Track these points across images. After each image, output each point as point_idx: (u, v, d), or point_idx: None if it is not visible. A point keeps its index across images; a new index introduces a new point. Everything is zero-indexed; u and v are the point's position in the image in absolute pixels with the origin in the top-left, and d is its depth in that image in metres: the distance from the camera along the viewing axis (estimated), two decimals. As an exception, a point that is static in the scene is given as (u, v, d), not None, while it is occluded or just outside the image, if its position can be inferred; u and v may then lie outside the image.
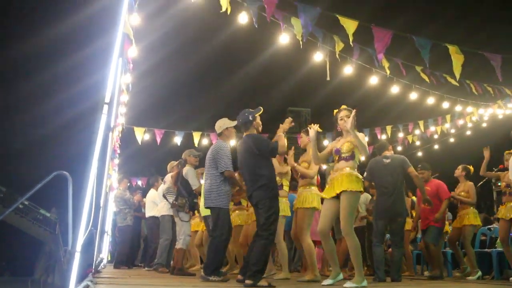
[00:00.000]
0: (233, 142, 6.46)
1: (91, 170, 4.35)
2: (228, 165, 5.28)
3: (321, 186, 6.84)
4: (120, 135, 9.12)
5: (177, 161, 7.52)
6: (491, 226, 8.56)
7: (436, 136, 13.54)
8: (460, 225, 6.83)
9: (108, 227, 10.29)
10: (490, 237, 8.17)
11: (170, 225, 7.62)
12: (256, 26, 5.80)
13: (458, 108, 11.19)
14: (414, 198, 7.79)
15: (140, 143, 10.91)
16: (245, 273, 4.59)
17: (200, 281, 5.12)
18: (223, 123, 5.54)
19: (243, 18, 5.86)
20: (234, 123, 5.49)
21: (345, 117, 4.87)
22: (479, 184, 8.98)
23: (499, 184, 10.31)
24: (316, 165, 5.62)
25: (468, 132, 13.29)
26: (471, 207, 6.85)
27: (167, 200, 7.37)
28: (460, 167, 7.12)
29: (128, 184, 9.85)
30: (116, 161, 10.14)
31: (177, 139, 11.28)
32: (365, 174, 6.16)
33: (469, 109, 11.41)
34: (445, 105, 10.64)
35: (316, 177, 5.97)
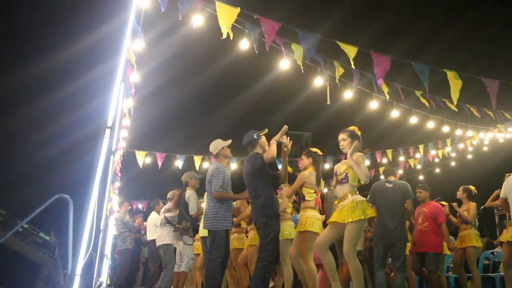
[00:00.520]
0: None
1: (93, 193, 4.37)
2: (217, 186, 5.32)
3: (322, 208, 6.84)
4: (121, 158, 9.15)
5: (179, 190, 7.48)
6: (494, 250, 8.49)
7: (437, 160, 13.55)
8: (461, 246, 6.78)
9: (108, 250, 10.22)
10: (493, 261, 8.09)
11: (173, 256, 7.53)
12: (257, 52, 5.89)
13: (459, 132, 11.23)
14: None
15: (141, 166, 10.93)
16: None
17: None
18: (218, 144, 5.61)
19: (244, 44, 5.96)
20: (228, 142, 5.61)
21: (341, 140, 4.95)
22: (482, 207, 8.95)
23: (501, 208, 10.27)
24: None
25: (469, 156, 13.31)
26: (473, 228, 6.81)
27: (172, 225, 7.26)
28: (461, 188, 7.12)
29: (129, 207, 9.83)
30: (117, 184, 10.15)
31: (178, 163, 11.31)
32: (368, 196, 6.17)
33: (469, 133, 11.45)
34: (445, 129, 10.67)
35: (314, 198, 5.94)
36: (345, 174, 4.87)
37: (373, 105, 8.49)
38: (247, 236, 7.13)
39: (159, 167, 11.37)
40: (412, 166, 13.73)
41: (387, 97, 7.62)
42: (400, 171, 13.65)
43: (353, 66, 6.25)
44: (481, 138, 11.89)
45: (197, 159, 11.40)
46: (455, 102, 6.32)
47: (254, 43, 5.85)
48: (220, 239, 5.31)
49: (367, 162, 12.54)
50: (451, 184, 7.47)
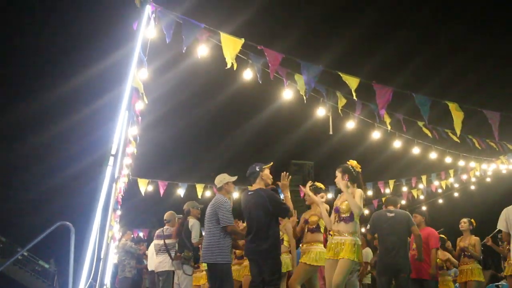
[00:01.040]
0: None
1: (95, 221, 4.36)
2: (230, 220, 5.26)
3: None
4: (126, 186, 9.14)
5: (180, 215, 7.44)
6: (499, 283, 8.36)
7: (440, 191, 13.51)
8: (463, 280, 6.69)
9: (108, 279, 10.10)
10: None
11: (171, 282, 7.43)
12: (260, 82, 5.96)
13: (461, 163, 11.23)
14: None
15: (143, 194, 10.92)
16: None
17: None
18: (223, 178, 5.58)
19: (247, 74, 6.04)
20: (234, 178, 5.59)
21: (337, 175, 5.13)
22: (486, 239, 8.84)
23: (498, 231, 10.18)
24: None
25: (472, 187, 13.26)
26: (475, 262, 6.73)
27: (169, 255, 7.19)
28: (466, 220, 7.06)
29: (132, 235, 9.79)
30: (118, 212, 10.11)
31: (180, 191, 11.29)
32: (368, 226, 6.13)
33: (472, 164, 11.45)
34: (448, 160, 10.68)
35: (323, 233, 5.93)
36: (350, 213, 4.95)
37: (376, 135, 8.53)
38: None
39: (161, 195, 11.35)
40: (416, 197, 13.67)
41: (389, 127, 7.66)
42: (403, 202, 13.59)
43: (355, 97, 6.32)
44: (484, 169, 11.88)
45: (199, 188, 11.39)
46: (458, 133, 6.35)
47: (257, 73, 5.94)
48: (229, 272, 5.28)
49: (370, 193, 12.54)
50: (454, 215, 7.42)
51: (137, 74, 5.51)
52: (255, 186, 5.30)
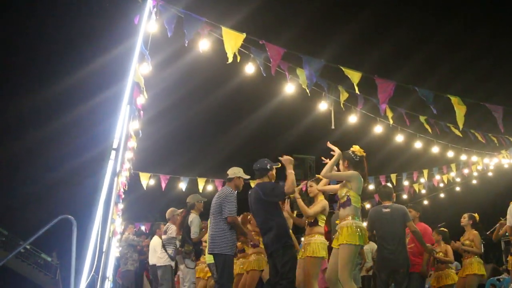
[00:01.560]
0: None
1: (97, 215, 4.38)
2: (232, 211, 5.28)
3: (329, 234, 6.79)
4: (127, 181, 9.16)
5: (180, 210, 7.47)
6: (500, 277, 8.38)
7: (441, 185, 13.49)
8: (464, 274, 6.70)
9: (110, 272, 10.15)
10: (499, 288, 7.98)
11: (170, 276, 7.47)
12: (265, 75, 5.95)
13: (463, 157, 11.22)
14: None
15: (145, 188, 10.94)
16: None
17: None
18: (237, 171, 5.58)
19: (249, 69, 6.03)
20: (247, 177, 5.58)
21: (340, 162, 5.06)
22: (488, 232, 8.85)
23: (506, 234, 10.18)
24: (323, 177, 5.48)
25: (474, 181, 13.25)
26: (476, 256, 6.73)
27: (166, 251, 7.23)
28: (466, 215, 7.03)
29: (135, 229, 9.83)
30: (120, 206, 10.14)
31: (182, 185, 11.31)
32: (366, 224, 6.12)
33: (474, 158, 11.43)
34: (450, 154, 10.67)
35: (323, 226, 5.94)
36: (346, 197, 4.86)
37: (378, 129, 8.52)
38: None
39: (163, 189, 11.37)
40: (417, 191, 13.66)
41: (391, 122, 7.64)
42: (405, 196, 13.60)
43: (357, 92, 6.30)
44: (486, 163, 11.87)
45: (201, 182, 11.41)
46: (461, 127, 6.34)
47: (259, 67, 5.93)
48: (231, 264, 5.29)
49: (371, 187, 12.54)
50: (455, 209, 7.43)
51: (138, 69, 5.51)
52: (256, 181, 5.35)
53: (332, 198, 6.03)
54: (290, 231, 6.30)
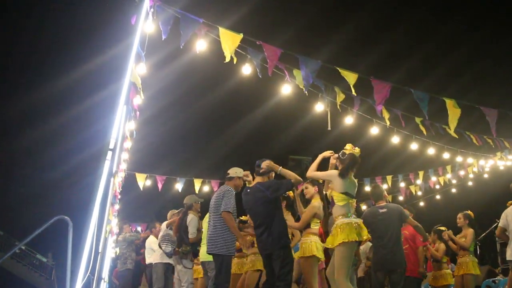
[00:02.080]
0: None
1: (93, 215, 4.37)
2: (228, 207, 5.26)
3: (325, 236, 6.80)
4: (122, 182, 9.15)
5: (178, 210, 7.47)
6: (496, 278, 8.41)
7: (437, 187, 13.53)
8: (459, 274, 6.72)
9: (106, 273, 10.11)
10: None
11: (163, 273, 7.48)
12: (260, 76, 5.96)
13: (459, 159, 11.25)
14: None
15: (141, 189, 10.93)
16: None
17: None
18: (239, 171, 5.58)
19: (246, 69, 6.04)
20: (249, 179, 5.56)
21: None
22: (482, 236, 8.90)
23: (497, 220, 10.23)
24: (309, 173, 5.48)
25: (470, 183, 13.30)
26: (470, 256, 6.75)
27: (161, 248, 7.24)
28: (461, 216, 7.04)
29: (131, 229, 9.84)
30: (116, 206, 10.11)
31: (178, 186, 11.30)
32: None
33: (470, 160, 11.47)
34: (446, 155, 10.70)
35: (318, 226, 5.95)
36: (331, 197, 4.96)
37: (374, 131, 8.54)
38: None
39: (159, 190, 11.36)
40: (413, 192, 13.71)
41: (388, 123, 7.66)
42: (401, 198, 13.62)
43: (354, 93, 6.32)
44: (481, 165, 11.92)
45: (197, 182, 11.41)
46: (452, 130, 6.37)
47: (256, 68, 5.93)
48: (228, 264, 5.29)
49: (367, 188, 12.57)
50: (451, 211, 7.44)
51: (135, 69, 5.50)
52: (254, 181, 5.33)
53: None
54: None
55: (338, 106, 7.08)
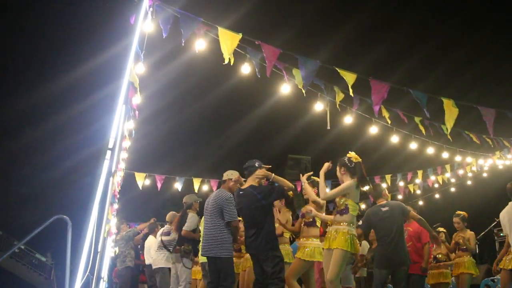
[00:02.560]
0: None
1: (92, 214, 4.37)
2: (235, 216, 5.30)
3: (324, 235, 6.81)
4: (121, 181, 9.15)
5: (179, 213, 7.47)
6: (495, 277, 8.41)
7: (436, 186, 13.55)
8: (457, 273, 6.73)
9: (105, 272, 10.11)
10: (494, 289, 8.01)
11: (169, 278, 7.48)
12: (259, 76, 5.96)
13: (458, 158, 11.26)
14: None
15: (140, 188, 10.93)
16: None
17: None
18: (235, 176, 5.58)
19: (245, 69, 6.03)
20: (244, 184, 5.57)
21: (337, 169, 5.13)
22: (481, 235, 8.91)
23: (501, 234, 10.22)
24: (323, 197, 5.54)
25: (469, 182, 13.31)
26: (468, 256, 6.77)
27: (168, 251, 7.22)
28: (458, 220, 7.04)
29: (129, 227, 9.82)
30: (115, 206, 10.11)
31: (178, 185, 11.30)
32: (360, 221, 6.14)
33: (469, 159, 11.48)
34: (445, 155, 10.71)
35: (320, 227, 5.95)
36: (345, 205, 4.94)
37: (373, 130, 8.54)
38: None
39: (159, 189, 11.36)
40: (412, 191, 13.72)
41: (389, 122, 7.66)
42: (400, 196, 13.63)
43: (351, 94, 6.33)
44: (480, 165, 11.92)
45: (196, 182, 11.41)
46: (449, 130, 6.38)
47: (255, 68, 5.93)
48: (232, 265, 5.30)
49: (366, 187, 12.57)
50: (450, 210, 7.44)
51: (134, 69, 5.50)
52: (247, 183, 5.35)
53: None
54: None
55: (337, 106, 7.08)
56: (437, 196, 14.73)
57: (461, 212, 7.13)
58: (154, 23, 5.60)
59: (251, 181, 5.29)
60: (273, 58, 5.68)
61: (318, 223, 5.82)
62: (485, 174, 12.74)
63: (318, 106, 7.24)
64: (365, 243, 7.57)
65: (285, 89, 6.64)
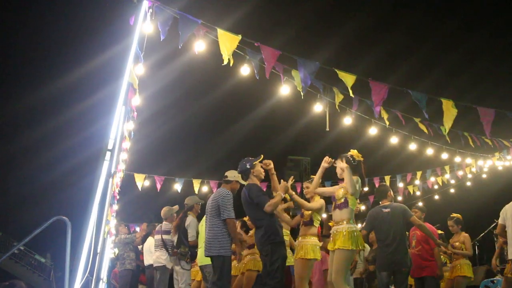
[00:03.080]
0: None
1: (91, 216, 4.37)
2: (231, 213, 5.28)
3: (322, 234, 6.81)
4: (121, 182, 9.15)
5: (175, 206, 7.48)
6: (494, 278, 8.41)
7: (436, 187, 13.55)
8: (452, 276, 6.72)
9: (104, 274, 10.10)
10: (493, 290, 8.01)
11: (168, 277, 7.48)
12: (258, 78, 5.96)
13: (458, 159, 11.27)
14: None
15: (140, 189, 10.92)
16: None
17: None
18: (236, 175, 5.56)
19: (244, 70, 6.04)
20: (245, 182, 5.56)
21: (338, 166, 5.12)
22: (480, 236, 8.90)
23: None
24: (312, 190, 5.55)
25: (468, 183, 13.32)
26: (465, 259, 6.76)
27: (167, 251, 7.22)
28: (453, 223, 7.02)
29: (129, 230, 9.83)
30: (115, 207, 10.11)
31: (177, 186, 11.29)
32: (364, 223, 6.14)
33: (469, 160, 11.49)
34: (444, 156, 10.71)
35: (318, 226, 5.97)
36: (344, 199, 4.93)
37: (372, 131, 8.54)
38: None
39: (158, 190, 11.35)
40: (411, 192, 13.72)
41: (387, 123, 7.67)
42: (400, 197, 13.64)
43: (351, 95, 6.33)
44: (480, 166, 11.93)
45: (196, 183, 11.40)
46: (447, 131, 6.39)
47: (254, 69, 5.94)
48: (229, 265, 5.28)
49: (366, 189, 12.57)
50: (450, 211, 7.44)
51: (133, 70, 5.51)
52: (248, 182, 5.38)
53: (328, 199, 6.07)
54: (287, 231, 6.34)
55: (336, 107, 7.09)
56: (436, 197, 14.73)
57: (455, 215, 7.13)
58: (154, 24, 5.61)
59: (251, 181, 5.33)
60: (273, 60, 5.69)
61: (316, 223, 5.82)
62: (484, 175, 12.75)
63: (318, 107, 7.25)
64: (366, 247, 7.57)
65: (284, 90, 6.65)
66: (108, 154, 4.93)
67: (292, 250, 6.56)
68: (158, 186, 11.22)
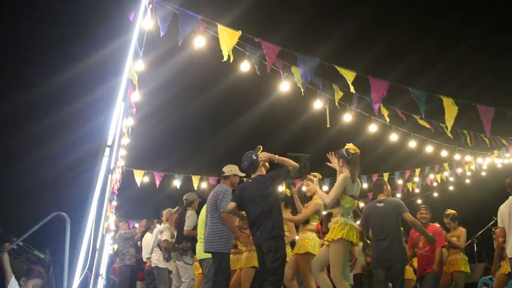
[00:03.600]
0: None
1: (90, 212, 4.37)
2: (225, 207, 5.26)
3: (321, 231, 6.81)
4: (120, 179, 9.15)
5: (175, 208, 7.47)
6: (493, 276, 8.43)
7: (435, 184, 13.56)
8: (449, 271, 6.75)
9: (103, 269, 10.12)
10: (492, 287, 8.02)
11: (167, 276, 7.50)
12: (259, 73, 5.95)
13: (457, 156, 11.27)
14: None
15: (139, 185, 10.91)
16: None
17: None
18: (233, 168, 5.55)
19: (244, 66, 6.03)
20: (243, 174, 5.54)
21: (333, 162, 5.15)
22: (479, 233, 8.91)
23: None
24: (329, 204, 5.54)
25: (467, 181, 13.33)
26: (461, 253, 6.79)
27: (162, 252, 7.23)
28: (449, 221, 7.07)
29: (128, 226, 9.84)
30: (114, 203, 10.11)
31: (176, 182, 11.29)
32: (360, 219, 6.14)
33: (468, 157, 11.49)
34: (444, 153, 10.71)
35: (317, 223, 5.98)
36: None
37: (372, 128, 8.54)
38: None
39: (157, 186, 11.34)
40: (410, 190, 13.73)
41: (387, 120, 7.66)
42: (398, 195, 13.64)
43: (352, 91, 6.32)
44: (479, 163, 11.94)
45: (195, 179, 11.39)
46: (449, 128, 6.39)
47: (255, 65, 5.93)
48: (228, 261, 5.27)
49: (365, 185, 12.59)
50: (448, 208, 7.45)
51: (133, 66, 5.49)
52: (256, 174, 5.28)
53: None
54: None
55: (336, 104, 7.08)
56: (435, 194, 14.74)
57: (450, 212, 7.14)
58: (153, 20, 5.59)
59: (259, 172, 5.24)
60: (273, 56, 5.68)
61: (314, 221, 5.86)
62: (483, 173, 12.76)
63: (317, 104, 7.24)
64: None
65: (284, 86, 6.64)
66: (107, 150, 4.92)
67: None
68: (157, 182, 11.21)
